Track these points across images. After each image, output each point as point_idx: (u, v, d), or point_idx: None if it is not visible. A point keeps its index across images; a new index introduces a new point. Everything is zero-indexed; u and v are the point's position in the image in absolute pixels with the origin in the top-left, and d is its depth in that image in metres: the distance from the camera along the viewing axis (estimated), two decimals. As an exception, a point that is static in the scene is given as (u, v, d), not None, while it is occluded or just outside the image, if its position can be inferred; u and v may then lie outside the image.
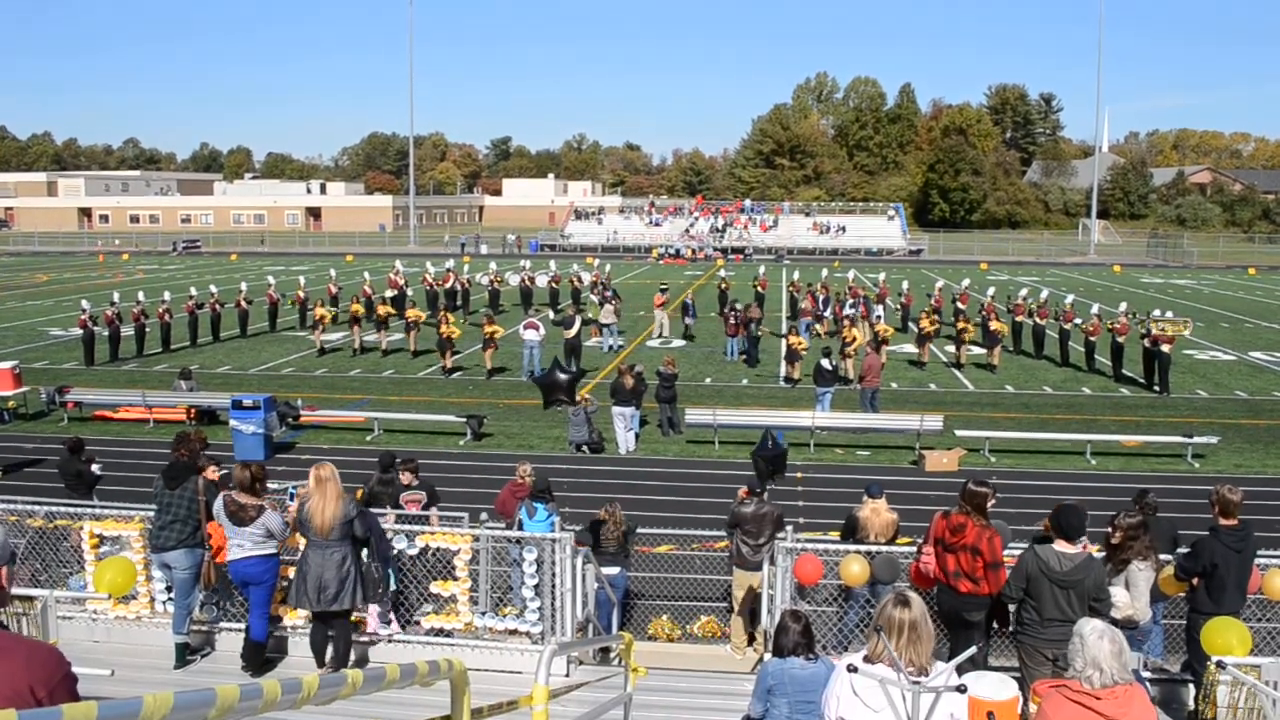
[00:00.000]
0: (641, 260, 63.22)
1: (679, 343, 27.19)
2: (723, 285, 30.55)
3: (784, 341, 22.05)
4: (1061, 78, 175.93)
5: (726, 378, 22.13)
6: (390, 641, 7.02)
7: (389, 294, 30.45)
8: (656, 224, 73.08)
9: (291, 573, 6.83)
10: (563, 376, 15.40)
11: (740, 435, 16.39)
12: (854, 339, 20.79)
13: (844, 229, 69.12)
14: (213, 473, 7.16)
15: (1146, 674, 6.46)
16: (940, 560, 6.22)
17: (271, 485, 7.80)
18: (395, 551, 6.97)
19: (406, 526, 7.42)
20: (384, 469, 9.51)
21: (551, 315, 26.00)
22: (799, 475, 12.89)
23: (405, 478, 9.28)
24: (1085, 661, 3.58)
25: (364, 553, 6.69)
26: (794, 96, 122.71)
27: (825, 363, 17.30)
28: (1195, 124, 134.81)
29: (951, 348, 24.59)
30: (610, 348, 25.27)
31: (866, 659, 3.57)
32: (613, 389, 15.77)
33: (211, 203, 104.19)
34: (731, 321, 24.05)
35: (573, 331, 21.03)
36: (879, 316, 24.54)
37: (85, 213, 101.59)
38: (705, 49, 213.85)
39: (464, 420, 16.26)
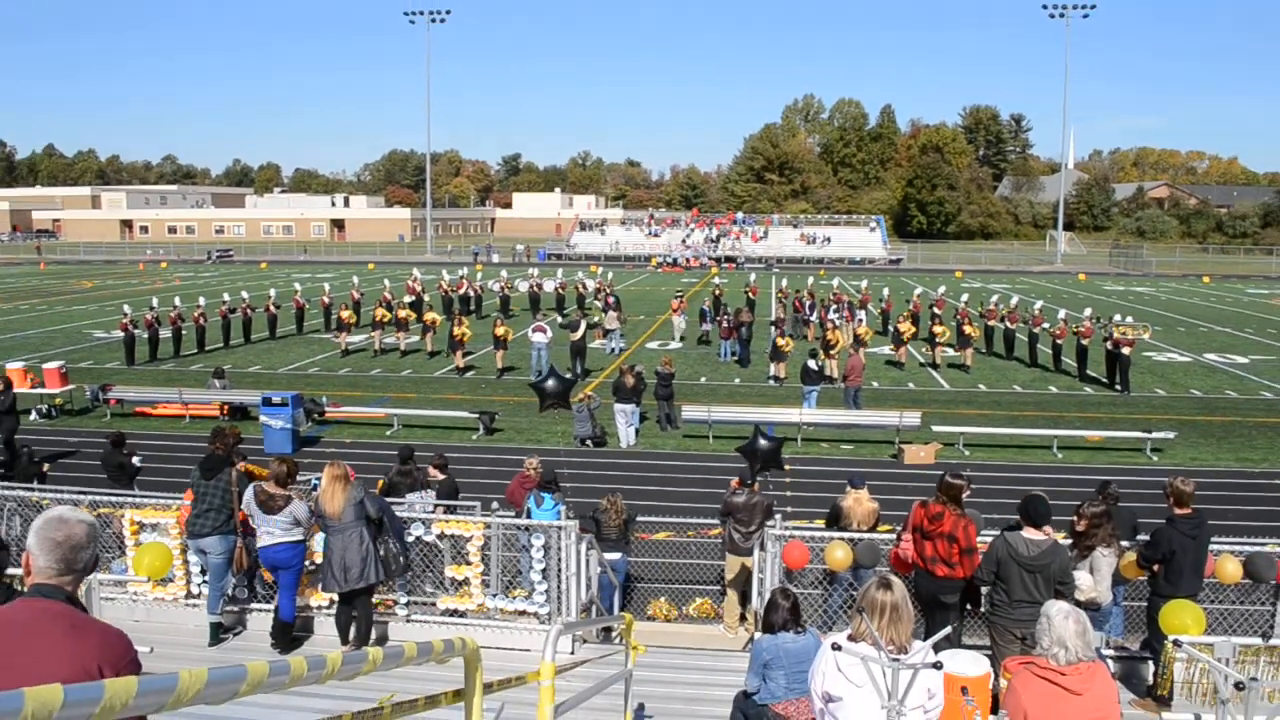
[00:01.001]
0: (641, 268, 62.96)
1: (675, 345, 27.16)
2: (716, 291, 30.50)
3: (771, 343, 22.01)
4: (1030, 100, 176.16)
5: (720, 377, 22.08)
6: (409, 621, 7.01)
7: (407, 299, 30.41)
8: (655, 235, 72.94)
9: (318, 558, 6.82)
10: (552, 384, 15.33)
11: (733, 430, 16.36)
12: (838, 341, 20.76)
13: (829, 239, 68.97)
14: (244, 465, 7.14)
15: (1108, 652, 6.46)
16: (918, 546, 6.22)
17: (301, 476, 7.79)
18: (409, 529, 6.96)
19: (424, 515, 7.42)
20: (403, 461, 9.50)
21: (559, 319, 25.94)
22: (786, 477, 12.85)
23: (433, 473, 9.26)
24: (1052, 640, 3.58)
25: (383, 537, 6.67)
26: (783, 116, 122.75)
27: (811, 363, 17.27)
28: (1154, 143, 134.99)
29: (928, 349, 24.55)
30: (613, 350, 25.24)
31: (850, 638, 3.57)
32: (615, 387, 15.76)
33: (243, 215, 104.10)
34: (724, 325, 24.03)
35: (579, 334, 21.01)
36: (861, 320, 24.51)
37: (127, 224, 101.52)
38: (701, 72, 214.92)
39: (476, 416, 16.25)
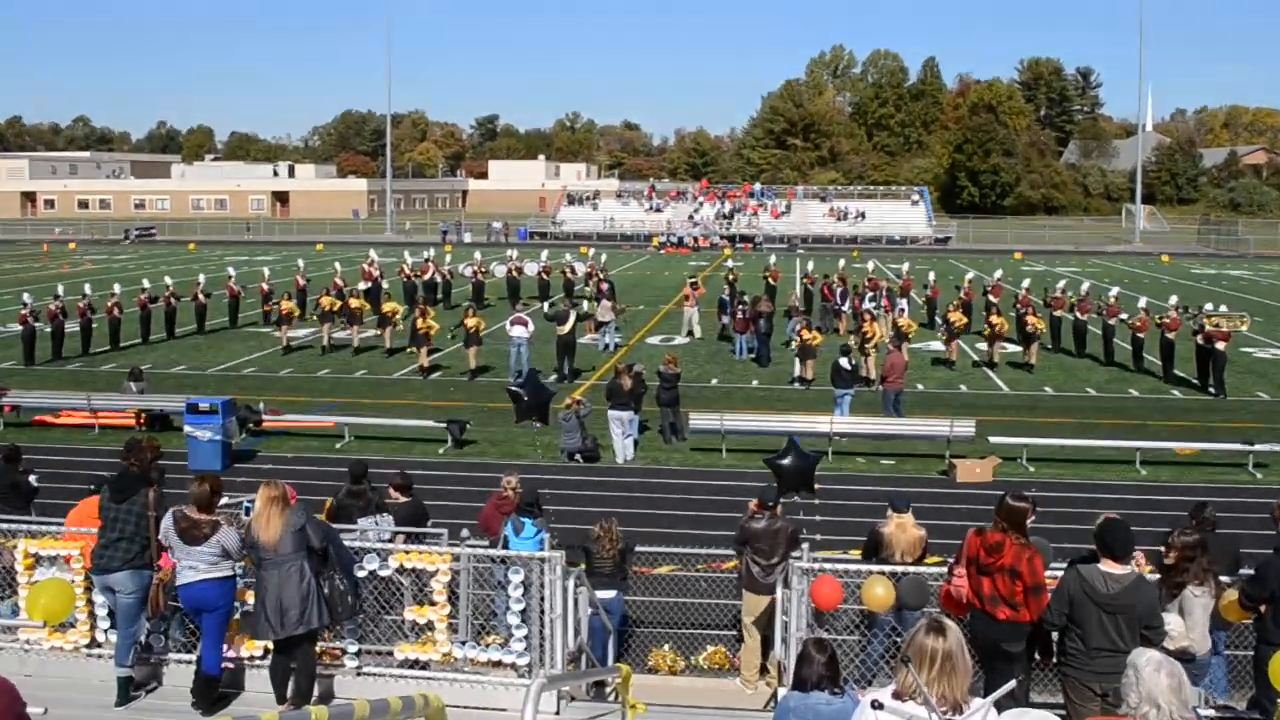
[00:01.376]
0: (641, 250, 63.18)
1: (680, 340, 27.13)
2: (730, 277, 30.53)
3: (795, 338, 21.98)
4: (1100, 52, 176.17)
5: (735, 378, 22.08)
6: (359, 675, 6.91)
7: (362, 286, 30.42)
8: (657, 210, 73.02)
9: (250, 598, 6.73)
10: (527, 396, 15.27)
11: (750, 442, 16.30)
12: (874, 335, 20.73)
13: (863, 215, 69.07)
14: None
15: (1209, 712, 6.36)
16: (974, 583, 6.13)
17: (224, 500, 7.70)
18: (362, 565, 6.87)
19: (379, 545, 7.33)
20: (355, 479, 9.42)
21: (543, 310, 25.90)
22: (814, 498, 12.83)
23: (393, 494, 9.21)
24: (1140, 697, 3.48)
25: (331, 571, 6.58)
26: (807, 71, 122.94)
27: (844, 362, 17.23)
28: (1248, 100, 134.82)
29: (984, 345, 24.51)
30: (607, 346, 25.21)
31: (895, 695, 3.47)
32: (609, 391, 15.71)
33: (168, 186, 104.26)
34: (740, 316, 23.99)
35: (566, 328, 20.97)
36: (902, 310, 24.46)
37: (29, 197, 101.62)
38: (710, 20, 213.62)
39: (444, 426, 16.19)
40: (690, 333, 27.32)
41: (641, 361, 18.25)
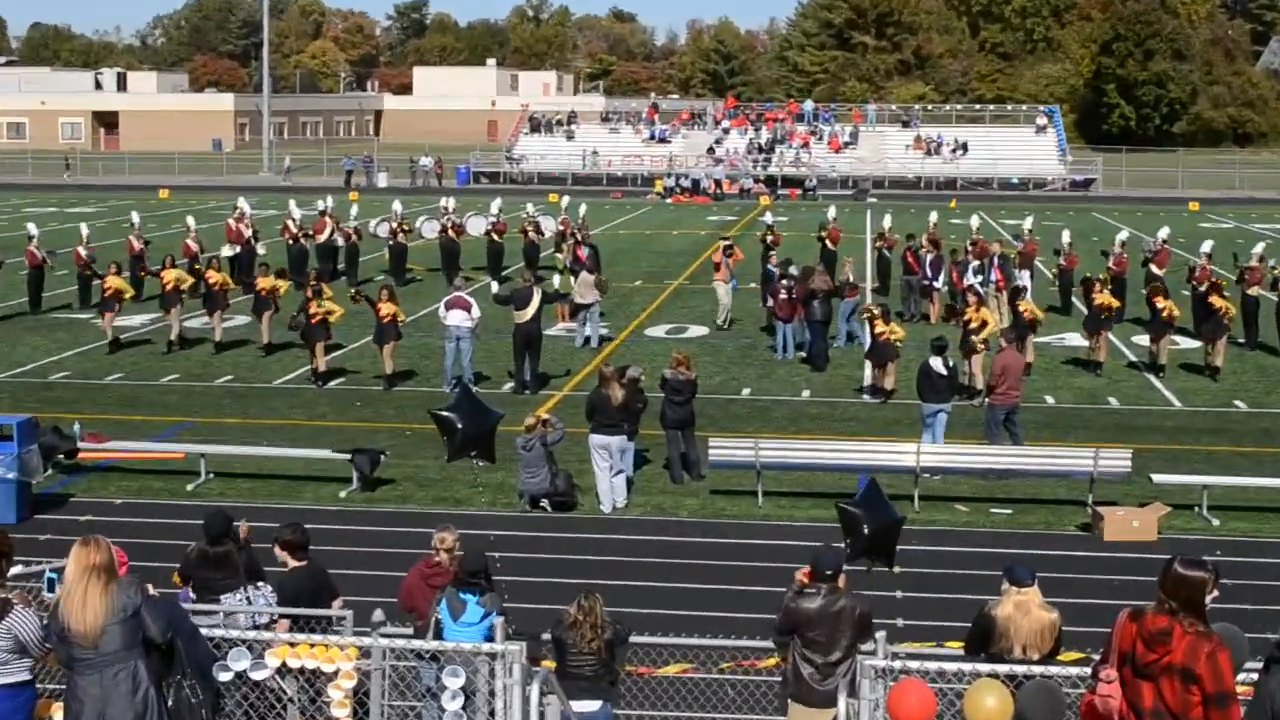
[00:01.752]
0: (638, 197, 63.35)
1: (696, 331, 27.17)
2: (769, 239, 30.56)
3: (856, 330, 21.99)
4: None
5: (776, 387, 22.13)
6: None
7: (227, 252, 30.46)
8: (661, 139, 73.31)
9: (58, 713, 6.73)
10: (463, 421, 15.10)
11: (798, 481, 16.22)
12: (982, 324, 20.77)
13: (965, 147, 69.51)
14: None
15: None
16: (1129, 691, 6.13)
17: (18, 569, 7.68)
18: (226, 664, 6.87)
19: (251, 634, 7.32)
20: (214, 538, 9.42)
21: (494, 287, 25.81)
22: (893, 565, 12.83)
23: (281, 555, 9.21)
24: None
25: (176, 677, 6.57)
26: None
27: (937, 364, 17.25)
28: None
29: (1144, 338, 24.60)
30: (588, 340, 25.27)
31: None
32: (591, 406, 15.72)
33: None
34: (784, 296, 24.06)
35: (528, 313, 21.04)
36: (1023, 289, 24.47)
37: None
38: None
39: (347, 458, 16.20)
40: (728, 321, 27.30)
41: (640, 362, 18.28)
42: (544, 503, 15.37)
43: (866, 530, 12.20)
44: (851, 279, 25.79)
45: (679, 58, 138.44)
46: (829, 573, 8.63)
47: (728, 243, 29.02)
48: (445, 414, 15.21)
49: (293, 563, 9.22)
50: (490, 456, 15.37)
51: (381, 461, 16.32)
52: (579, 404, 18.09)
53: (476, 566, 8.68)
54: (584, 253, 28.53)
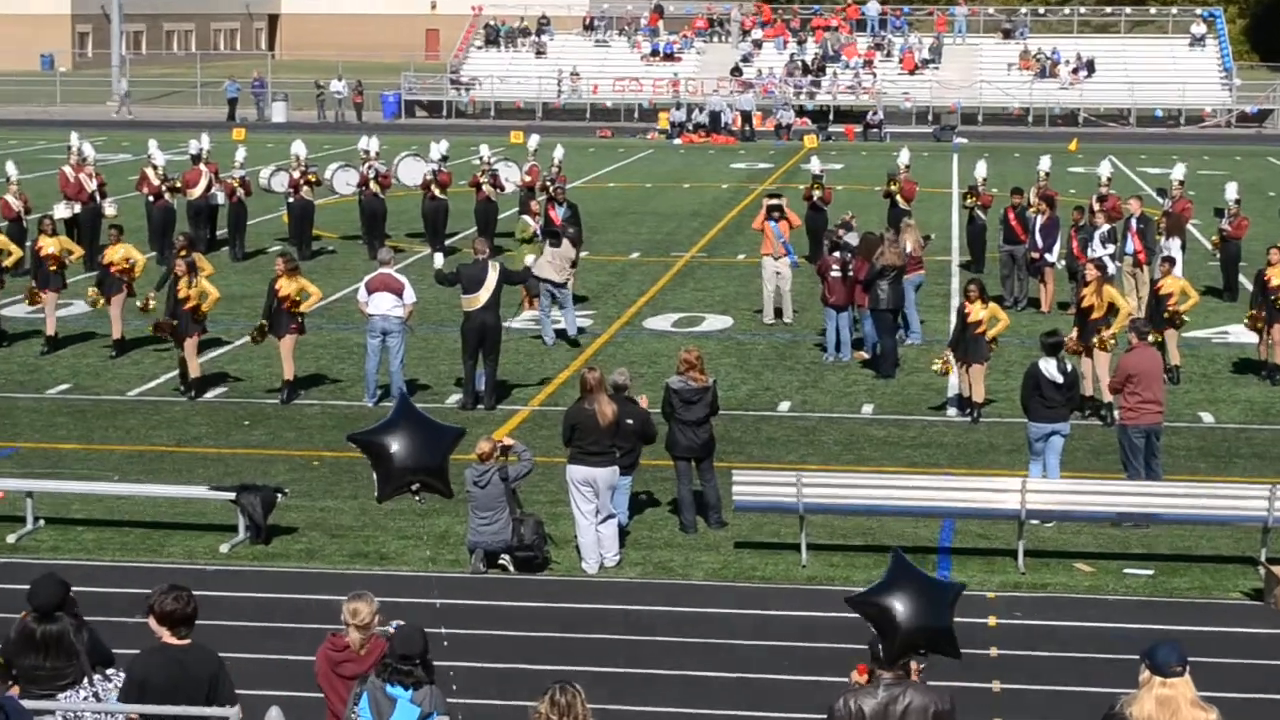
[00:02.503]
0: (634, 137, 63.30)
1: (717, 320, 27.17)
2: (816, 194, 30.48)
3: (954, 314, 21.81)
4: None
5: (827, 400, 22.18)
6: None
7: (62, 212, 30.46)
8: (667, 55, 73.10)
9: None
10: (397, 445, 14.55)
11: (856, 531, 16.25)
12: (1103, 308, 20.69)
13: (1091, 66, 69.44)
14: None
15: None
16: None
17: None
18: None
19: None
20: (44, 613, 9.38)
21: (436, 261, 25.55)
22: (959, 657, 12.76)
23: (158, 631, 9.09)
24: None
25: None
26: None
27: (1050, 368, 17.16)
28: None
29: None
30: (562, 335, 25.24)
31: None
32: (570, 426, 15.65)
33: None
34: (836, 274, 24.01)
35: (482, 298, 20.98)
36: (1169, 261, 24.41)
37: None
38: None
39: (231, 498, 16.17)
40: (778, 311, 27.13)
41: (638, 366, 18.26)
42: (504, 559, 15.30)
43: (897, 627, 11.94)
44: (911, 247, 25.21)
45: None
46: (893, 664, 8.60)
47: (776, 198, 28.11)
48: (374, 438, 14.47)
49: (171, 641, 9.10)
50: (444, 488, 14.54)
51: (278, 502, 16.25)
52: (553, 423, 18.05)
53: (411, 649, 8.61)
54: (557, 213, 28.41)
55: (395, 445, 14.06)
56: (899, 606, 11.66)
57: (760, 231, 27.26)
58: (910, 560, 12.24)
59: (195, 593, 14.34)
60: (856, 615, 10.53)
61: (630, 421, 15.97)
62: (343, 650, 9.37)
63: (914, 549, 15.74)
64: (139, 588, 11.15)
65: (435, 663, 8.96)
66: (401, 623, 9.21)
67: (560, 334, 25.27)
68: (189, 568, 15.27)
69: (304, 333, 21.92)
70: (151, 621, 9.15)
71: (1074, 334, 20.23)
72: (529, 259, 25.01)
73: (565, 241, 25.60)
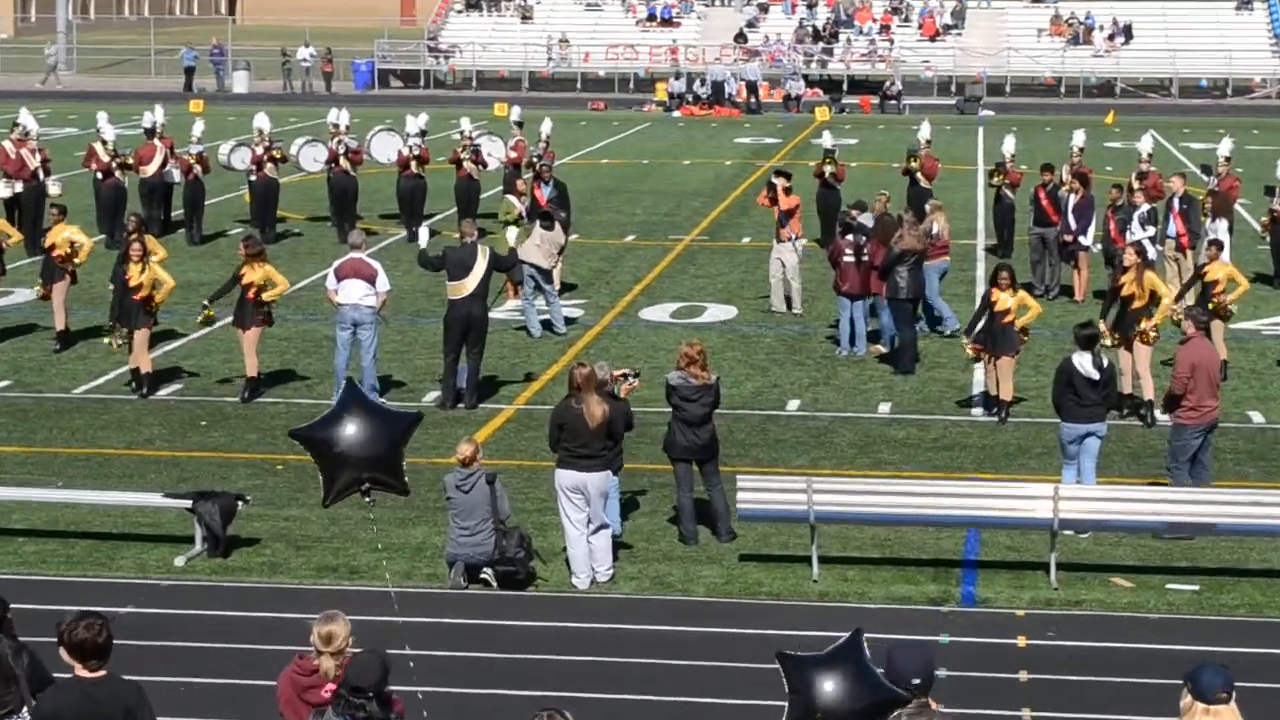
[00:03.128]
0: (629, 109, 63.32)
1: (719, 310, 27.18)
2: (827, 173, 30.46)
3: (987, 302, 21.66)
4: None
5: (840, 398, 22.23)
6: None
7: (2, 191, 30.50)
8: (665, 20, 73.09)
9: None
10: (351, 429, 14.04)
11: (872, 541, 16.28)
12: (1151, 299, 20.67)
13: (1129, 32, 69.42)
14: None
15: None
16: None
17: None
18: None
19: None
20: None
21: (422, 238, 25.21)
22: (1019, 670, 12.66)
23: (71, 663, 9.10)
24: None
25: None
26: None
27: (1084, 363, 17.12)
28: None
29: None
30: (550, 328, 25.26)
31: None
32: (557, 427, 15.64)
33: None
34: (849, 260, 23.98)
35: (468, 285, 20.95)
36: (1215, 245, 24.40)
37: None
38: None
39: (187, 506, 16.15)
40: (787, 300, 27.10)
41: (633, 360, 18.22)
42: (486, 574, 15.27)
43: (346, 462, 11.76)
44: (938, 229, 25.28)
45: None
46: (915, 682, 8.60)
47: (782, 175, 28.09)
48: (318, 433, 13.91)
49: (83, 674, 9.09)
50: (398, 486, 13.85)
51: (239, 511, 16.23)
52: (540, 424, 18.03)
53: (364, 680, 8.50)
54: (544, 193, 28.35)
55: (340, 438, 13.39)
56: (343, 436, 11.58)
57: (774, 210, 27.30)
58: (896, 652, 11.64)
59: (148, 610, 14.43)
60: (880, 634, 10.48)
61: (628, 426, 16.03)
62: (311, 674, 9.31)
63: (935, 562, 15.78)
64: (86, 605, 11.11)
65: (404, 688, 8.91)
66: (359, 650, 9.14)
67: (546, 325, 25.30)
68: (141, 583, 15.29)
69: (271, 323, 21.93)
70: (63, 653, 9.11)
71: (1105, 323, 20.16)
72: (510, 236, 24.69)
73: (558, 225, 25.64)
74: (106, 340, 21.82)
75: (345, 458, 13.54)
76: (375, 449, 13.25)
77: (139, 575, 15.52)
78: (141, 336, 21.62)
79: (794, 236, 27.07)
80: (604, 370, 16.41)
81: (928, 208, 26.41)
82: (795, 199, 27.64)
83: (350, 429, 13.20)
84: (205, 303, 21.87)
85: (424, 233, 23.75)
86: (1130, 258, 20.90)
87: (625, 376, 16.56)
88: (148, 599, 14.79)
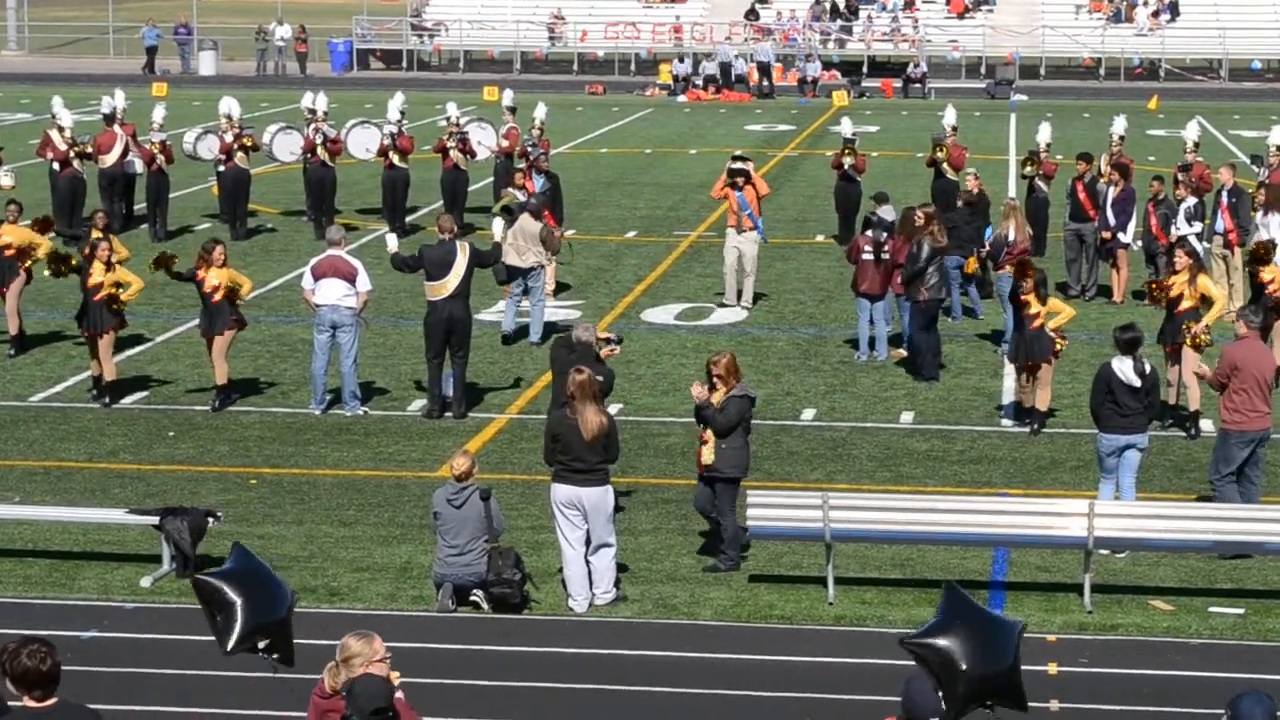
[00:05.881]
0: (631, 94, 63.19)
1: (727, 313, 27.18)
2: (847, 164, 30.52)
3: (1012, 306, 21.67)
4: None
5: (858, 406, 22.21)
6: None
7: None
8: (671, -3, 72.93)
9: None
10: (245, 601, 13.78)
11: (892, 561, 16.29)
12: (1200, 300, 20.63)
13: (1174, 9, 69.23)
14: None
15: None
16: None
17: None
18: None
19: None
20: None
21: (390, 243, 25.16)
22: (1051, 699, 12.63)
23: (23, 697, 9.14)
24: None
25: None
26: None
27: (1125, 369, 17.03)
28: None
29: None
30: (541, 338, 25.10)
31: None
32: (551, 438, 15.58)
33: None
34: (868, 257, 23.97)
35: (449, 285, 20.95)
36: (1272, 246, 24.39)
37: None
38: None
39: (154, 523, 16.15)
40: (742, 295, 27.34)
41: (635, 365, 18.25)
42: (477, 596, 15.30)
43: (965, 673, 11.90)
44: (1015, 235, 24.50)
45: None
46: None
47: (741, 161, 28.29)
48: (216, 582, 13.80)
49: (30, 704, 9.15)
50: (287, 657, 13.82)
51: (210, 528, 16.19)
52: (535, 434, 18.07)
53: (383, 701, 8.67)
54: (535, 185, 28.30)
55: (233, 595, 13.21)
56: (961, 649, 11.66)
57: (722, 200, 27.65)
58: (966, 593, 12.15)
59: (112, 635, 14.48)
60: (898, 661, 10.57)
61: (600, 380, 16.04)
62: (330, 698, 9.42)
63: (961, 583, 15.66)
64: (46, 628, 11.23)
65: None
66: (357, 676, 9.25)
67: (523, 329, 25.15)
68: (104, 605, 15.25)
69: (244, 326, 21.95)
70: (7, 683, 9.16)
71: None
72: (497, 229, 24.37)
73: (526, 216, 25.24)
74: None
75: (246, 616, 13.20)
76: (270, 619, 12.97)
77: (102, 597, 15.49)
78: (105, 341, 21.57)
79: (758, 225, 27.27)
80: (589, 332, 16.60)
81: (1003, 208, 25.93)
82: (765, 188, 28.14)
83: (250, 591, 12.96)
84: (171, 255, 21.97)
85: (391, 240, 23.11)
86: (1182, 260, 20.67)
87: (608, 341, 16.81)
88: (112, 622, 14.78)
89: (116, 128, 33.00)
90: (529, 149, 30.66)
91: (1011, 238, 24.39)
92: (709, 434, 15.91)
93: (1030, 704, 12.57)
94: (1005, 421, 21.38)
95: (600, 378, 16.16)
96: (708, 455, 15.87)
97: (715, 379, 16.00)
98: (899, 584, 15.95)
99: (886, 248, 23.58)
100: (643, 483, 17.23)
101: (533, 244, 24.71)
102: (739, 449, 16.01)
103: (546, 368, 23.21)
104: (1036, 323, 20.28)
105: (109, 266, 21.42)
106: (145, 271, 22.37)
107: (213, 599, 13.10)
